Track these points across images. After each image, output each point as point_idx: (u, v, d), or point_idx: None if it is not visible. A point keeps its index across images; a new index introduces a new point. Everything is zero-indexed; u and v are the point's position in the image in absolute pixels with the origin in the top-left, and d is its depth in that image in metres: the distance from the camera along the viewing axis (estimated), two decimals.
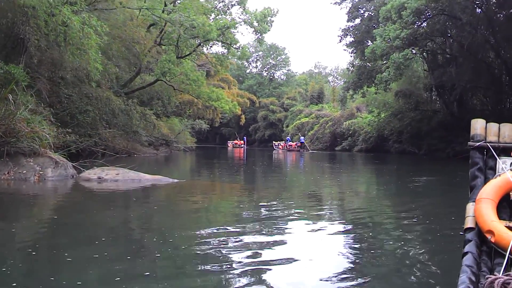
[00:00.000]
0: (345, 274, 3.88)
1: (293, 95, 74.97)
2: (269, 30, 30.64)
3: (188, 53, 28.76)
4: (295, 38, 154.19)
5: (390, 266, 4.25)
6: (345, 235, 5.68)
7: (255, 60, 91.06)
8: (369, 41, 32.89)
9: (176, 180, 11.33)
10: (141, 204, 8.25)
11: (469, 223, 3.05)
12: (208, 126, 49.77)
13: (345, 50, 38.57)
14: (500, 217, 3.00)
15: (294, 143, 51.84)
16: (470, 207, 3.15)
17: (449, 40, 32.46)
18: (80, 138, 20.21)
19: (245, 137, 67.14)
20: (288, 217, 6.78)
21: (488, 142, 3.46)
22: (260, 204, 8.25)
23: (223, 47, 31.48)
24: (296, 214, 7.15)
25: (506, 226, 2.88)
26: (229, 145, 64.27)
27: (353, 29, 37.72)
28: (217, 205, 8.35)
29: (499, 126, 3.52)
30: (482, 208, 2.95)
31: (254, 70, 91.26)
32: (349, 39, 38.27)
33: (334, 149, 49.80)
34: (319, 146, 53.35)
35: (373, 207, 8.46)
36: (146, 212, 7.17)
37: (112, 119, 21.03)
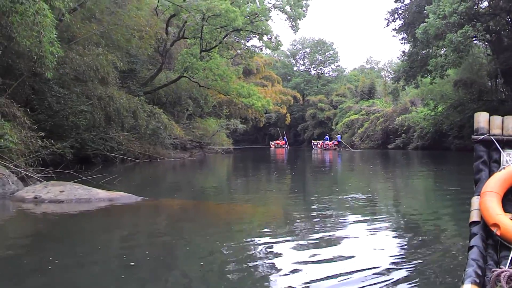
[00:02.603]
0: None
1: (342, 91, 70.65)
2: (304, 16, 27.16)
3: (214, 45, 25.81)
4: (345, 32, 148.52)
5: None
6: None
7: (302, 57, 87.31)
8: (422, 23, 28.58)
9: (140, 199, 8.26)
10: (61, 245, 5.26)
11: (474, 216, 3.05)
12: (244, 126, 46.77)
13: (394, 36, 34.12)
14: (506, 210, 2.98)
15: (331, 142, 49.44)
16: (475, 200, 3.15)
17: None
18: (78, 143, 17.84)
19: (285, 137, 63.90)
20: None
21: (492, 135, 3.43)
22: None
23: (258, 39, 28.50)
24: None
25: (511, 219, 2.84)
26: (271, 145, 61.30)
27: (402, 10, 33.21)
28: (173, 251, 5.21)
29: (503, 119, 3.49)
30: (487, 202, 2.95)
31: (301, 68, 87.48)
32: (398, 22, 33.77)
33: (386, 147, 45.68)
34: (370, 145, 49.25)
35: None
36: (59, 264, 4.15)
37: (119, 120, 18.35)
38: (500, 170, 3.24)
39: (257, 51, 29.01)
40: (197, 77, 26.12)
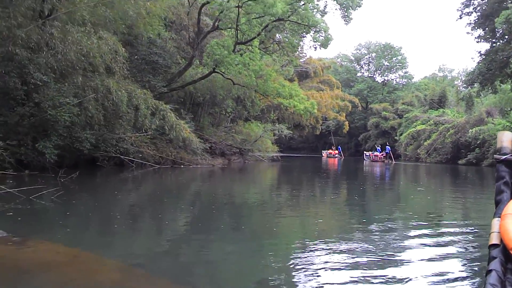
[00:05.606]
0: None
1: (409, 100, 64.93)
2: (359, 6, 23.23)
3: (252, 37, 22.40)
4: (416, 37, 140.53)
5: None
6: None
7: (367, 62, 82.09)
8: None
9: (4, 235, 4.94)
10: None
11: (494, 239, 2.93)
12: (291, 132, 43.04)
13: (468, 33, 28.98)
14: None
15: (380, 153, 46.75)
16: (495, 222, 3.04)
17: None
18: (78, 142, 15.09)
19: (339, 147, 59.34)
20: None
21: None
22: None
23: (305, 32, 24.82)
24: None
25: None
26: (323, 154, 56.60)
27: (478, 1, 27.92)
28: None
29: None
30: (508, 224, 2.82)
31: (365, 74, 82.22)
32: (474, 16, 28.45)
33: (456, 163, 40.21)
34: (437, 159, 43.90)
35: None
36: None
37: (116, 116, 15.39)
38: None
39: (303, 49, 25.20)
40: (229, 73, 22.85)
